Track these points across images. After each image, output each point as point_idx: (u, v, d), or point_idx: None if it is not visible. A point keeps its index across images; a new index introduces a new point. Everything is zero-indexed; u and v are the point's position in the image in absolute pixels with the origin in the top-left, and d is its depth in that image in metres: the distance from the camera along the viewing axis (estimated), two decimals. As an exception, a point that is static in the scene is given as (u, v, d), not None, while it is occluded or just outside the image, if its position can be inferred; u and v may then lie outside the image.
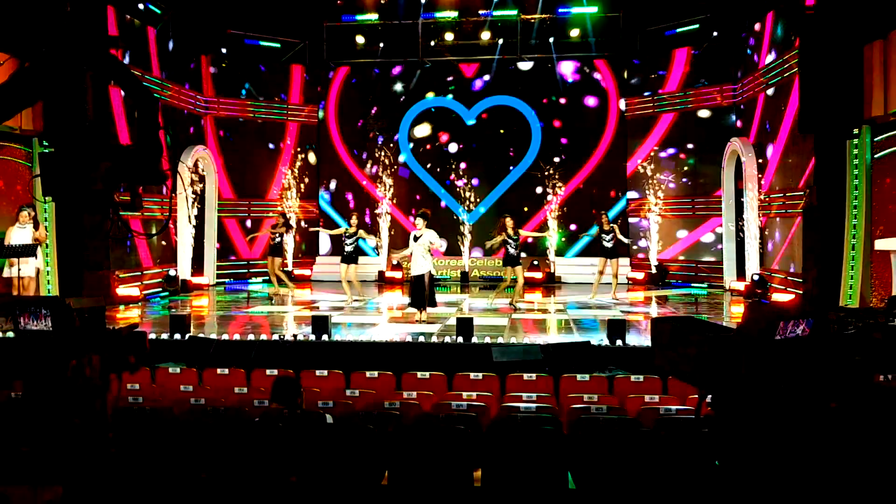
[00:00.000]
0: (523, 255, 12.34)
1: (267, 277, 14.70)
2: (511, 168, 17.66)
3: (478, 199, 17.70)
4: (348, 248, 12.41)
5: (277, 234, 13.77)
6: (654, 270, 16.25)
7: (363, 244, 15.84)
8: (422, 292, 10.46)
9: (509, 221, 12.02)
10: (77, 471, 3.51)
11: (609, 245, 13.00)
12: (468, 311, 11.90)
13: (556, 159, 17.38)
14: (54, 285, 11.37)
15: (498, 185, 17.73)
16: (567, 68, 17.41)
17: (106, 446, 3.82)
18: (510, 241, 11.87)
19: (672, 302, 13.44)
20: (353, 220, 12.63)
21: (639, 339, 8.76)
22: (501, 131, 17.68)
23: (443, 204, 17.68)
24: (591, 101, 17.38)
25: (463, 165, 17.73)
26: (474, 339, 8.67)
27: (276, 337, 9.03)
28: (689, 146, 16.14)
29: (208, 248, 16.02)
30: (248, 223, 17.02)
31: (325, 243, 17.95)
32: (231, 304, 13.27)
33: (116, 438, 4.02)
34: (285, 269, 15.00)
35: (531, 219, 17.32)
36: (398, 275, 16.48)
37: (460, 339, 8.68)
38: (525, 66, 17.48)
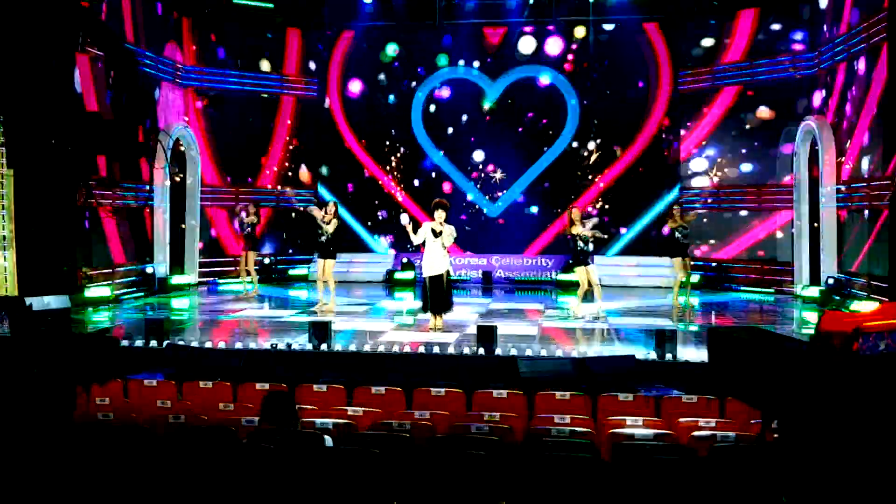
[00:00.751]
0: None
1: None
2: (545, 149, 17.60)
3: (502, 188, 17.70)
4: (322, 240, 12.02)
5: (249, 225, 13.92)
6: (711, 272, 16.15)
7: (376, 240, 15.58)
8: (438, 295, 10.44)
9: (576, 213, 11.62)
10: (37, 491, 3.56)
11: (685, 241, 12.69)
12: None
13: (596, 140, 17.33)
14: (13, 284, 11.49)
15: (528, 171, 17.68)
16: (610, 33, 17.30)
17: (69, 466, 3.87)
18: (579, 235, 11.41)
19: (733, 309, 13.35)
20: (331, 208, 12.12)
21: (693, 352, 8.71)
22: (518, 105, 17.65)
23: (462, 192, 17.69)
24: (637, 72, 17.25)
25: (486, 148, 17.73)
26: (498, 351, 8.67)
27: (267, 345, 9.09)
28: (755, 126, 15.99)
29: (190, 241, 16.14)
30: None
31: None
32: (216, 307, 13.36)
33: (81, 458, 4.07)
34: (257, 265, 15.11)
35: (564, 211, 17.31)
36: (409, 275, 16.54)
37: (481, 351, 8.68)
38: (560, 30, 17.42)
